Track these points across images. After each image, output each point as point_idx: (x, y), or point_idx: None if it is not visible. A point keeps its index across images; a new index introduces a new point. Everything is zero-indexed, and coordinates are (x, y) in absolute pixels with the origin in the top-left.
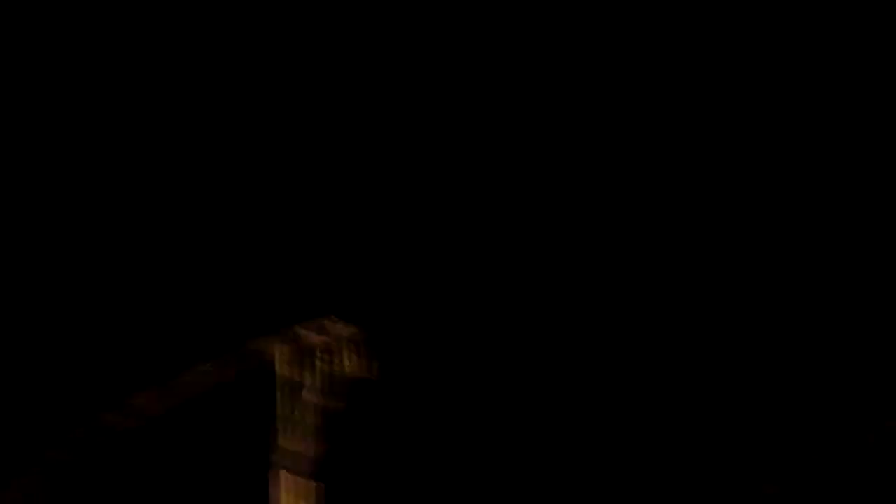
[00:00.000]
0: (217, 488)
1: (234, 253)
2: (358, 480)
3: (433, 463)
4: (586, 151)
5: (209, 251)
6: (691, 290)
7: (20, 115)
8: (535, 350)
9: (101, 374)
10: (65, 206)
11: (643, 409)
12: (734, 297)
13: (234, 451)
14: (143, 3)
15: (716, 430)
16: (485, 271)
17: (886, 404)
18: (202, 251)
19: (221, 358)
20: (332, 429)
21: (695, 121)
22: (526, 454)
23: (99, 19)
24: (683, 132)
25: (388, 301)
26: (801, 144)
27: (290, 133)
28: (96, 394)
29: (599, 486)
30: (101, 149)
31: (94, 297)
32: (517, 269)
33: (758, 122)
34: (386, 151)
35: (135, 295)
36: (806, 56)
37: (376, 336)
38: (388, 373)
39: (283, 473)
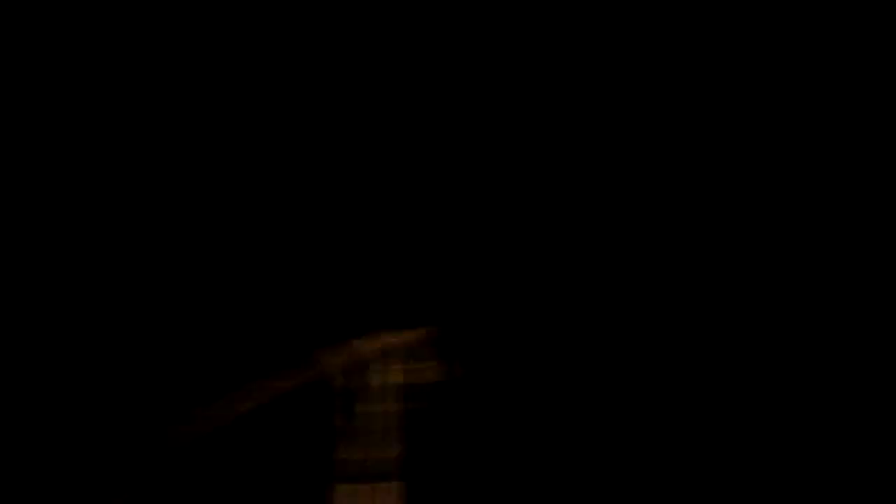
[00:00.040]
0: (280, 498)
1: (302, 264)
2: (433, 482)
3: (509, 461)
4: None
5: (275, 263)
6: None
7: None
8: (605, 345)
9: (169, 385)
10: (147, 216)
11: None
12: (739, 298)
13: (296, 461)
14: (143, 3)
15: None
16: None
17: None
18: (268, 263)
19: (287, 370)
20: (405, 432)
21: (695, 121)
22: (599, 450)
23: (99, 19)
24: (683, 132)
25: (463, 303)
26: (801, 144)
27: (347, 147)
28: (166, 405)
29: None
30: (176, 160)
31: (165, 311)
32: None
33: (758, 122)
34: (443, 156)
35: (204, 309)
36: (806, 56)
37: (452, 339)
38: (466, 374)
39: (341, 484)
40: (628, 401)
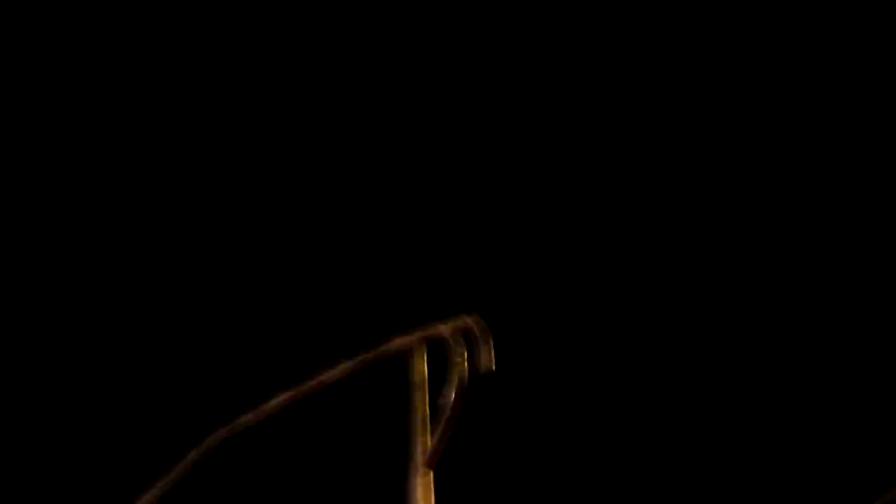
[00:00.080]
0: (354, 487)
1: (370, 250)
2: (490, 474)
3: (553, 455)
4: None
5: (341, 248)
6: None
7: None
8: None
9: (236, 375)
10: (189, 209)
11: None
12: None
13: (370, 450)
14: (144, 3)
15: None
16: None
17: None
18: (334, 249)
19: (358, 357)
20: (464, 423)
21: (695, 121)
22: (638, 444)
23: (99, 19)
24: (684, 132)
25: (518, 294)
26: (801, 144)
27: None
28: (233, 395)
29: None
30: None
31: (228, 300)
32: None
33: (758, 122)
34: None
35: (270, 296)
36: (806, 56)
37: (490, 325)
38: (504, 363)
39: (421, 471)
40: (658, 396)
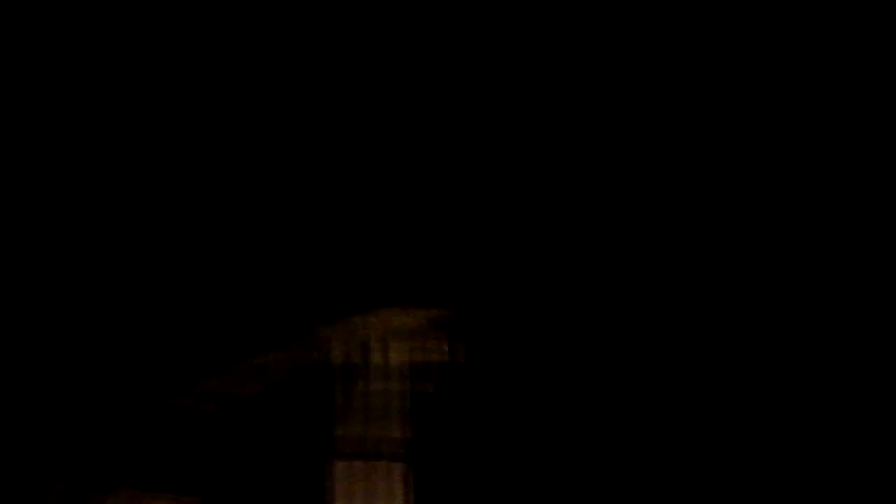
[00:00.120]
0: (277, 474)
1: (302, 237)
2: (437, 464)
3: (519, 446)
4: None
5: (275, 236)
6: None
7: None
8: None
9: (171, 358)
10: (131, 195)
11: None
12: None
13: (294, 439)
14: (144, 3)
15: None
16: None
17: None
18: (268, 236)
19: (286, 345)
20: (411, 413)
21: (695, 121)
22: (611, 439)
23: (99, 19)
24: (683, 132)
25: (473, 282)
26: (801, 144)
27: (348, 123)
28: (167, 378)
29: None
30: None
31: (163, 283)
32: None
33: (758, 122)
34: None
35: (203, 281)
36: (806, 56)
37: (461, 318)
38: (475, 355)
39: (338, 461)
40: (638, 388)
